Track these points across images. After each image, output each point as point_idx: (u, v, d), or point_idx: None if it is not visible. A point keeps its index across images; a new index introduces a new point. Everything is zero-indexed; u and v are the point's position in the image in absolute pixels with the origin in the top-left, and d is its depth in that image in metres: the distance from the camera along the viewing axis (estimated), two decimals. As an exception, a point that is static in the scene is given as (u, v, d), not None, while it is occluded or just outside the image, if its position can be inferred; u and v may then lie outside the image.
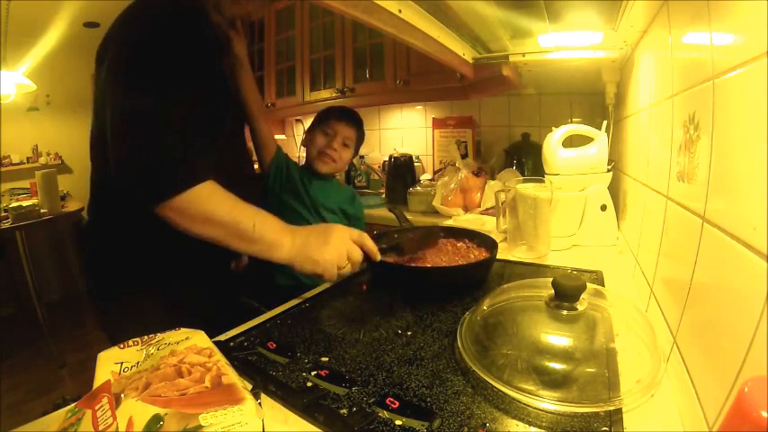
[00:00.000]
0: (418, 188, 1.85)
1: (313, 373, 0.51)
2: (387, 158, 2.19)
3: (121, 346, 0.48)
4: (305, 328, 0.66)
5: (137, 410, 0.35)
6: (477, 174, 1.70)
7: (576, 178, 1.08)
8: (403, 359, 0.55)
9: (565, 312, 0.53)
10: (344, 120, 1.22)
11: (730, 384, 0.32)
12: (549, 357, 0.49)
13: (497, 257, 0.87)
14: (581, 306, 0.53)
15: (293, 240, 0.70)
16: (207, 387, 0.39)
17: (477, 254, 0.88)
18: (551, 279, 0.54)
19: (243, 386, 0.40)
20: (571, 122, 1.26)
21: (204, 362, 0.43)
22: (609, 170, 1.09)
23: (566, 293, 0.53)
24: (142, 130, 0.63)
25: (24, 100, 3.07)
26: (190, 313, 0.60)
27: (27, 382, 2.18)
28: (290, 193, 1.19)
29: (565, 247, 1.05)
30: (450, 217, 1.58)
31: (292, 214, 1.16)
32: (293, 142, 2.82)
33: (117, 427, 0.34)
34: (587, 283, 0.54)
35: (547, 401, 0.43)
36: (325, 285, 0.86)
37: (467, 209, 1.66)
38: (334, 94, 2.12)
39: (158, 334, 0.50)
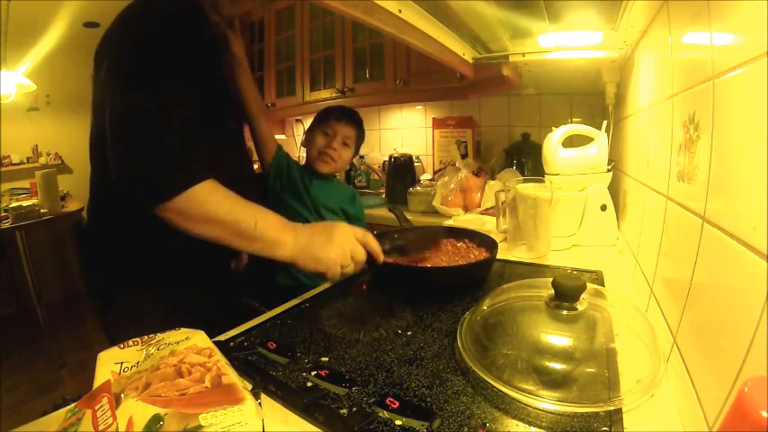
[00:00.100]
0: (418, 188, 1.85)
1: (313, 373, 0.51)
2: (387, 158, 2.19)
3: (121, 346, 0.48)
4: (305, 328, 0.66)
5: (137, 410, 0.35)
6: (477, 174, 1.70)
7: (576, 178, 1.08)
8: (403, 359, 0.55)
9: (565, 312, 0.53)
10: (344, 119, 1.22)
11: (730, 384, 0.32)
12: (549, 357, 0.49)
13: (497, 257, 0.87)
14: (581, 306, 0.53)
15: (296, 238, 0.70)
16: (207, 387, 0.39)
17: (477, 254, 0.88)
18: (551, 279, 0.54)
19: (243, 386, 0.40)
20: (571, 122, 1.27)
21: (204, 362, 0.43)
22: (609, 170, 1.09)
23: (566, 293, 0.53)
24: (141, 130, 0.63)
25: (24, 100, 3.07)
26: (190, 313, 0.60)
27: (27, 382, 2.18)
28: (290, 192, 1.19)
29: (565, 247, 1.05)
30: (450, 217, 1.58)
31: (292, 214, 1.16)
32: (293, 142, 2.82)
33: (117, 427, 0.34)
34: (587, 283, 0.54)
35: (547, 401, 0.43)
36: (325, 285, 0.86)
37: (467, 209, 1.66)
38: (334, 94, 2.12)
39: (158, 334, 0.50)
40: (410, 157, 2.08)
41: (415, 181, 2.02)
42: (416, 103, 2.27)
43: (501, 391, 0.46)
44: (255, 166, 1.25)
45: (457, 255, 0.87)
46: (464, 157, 1.96)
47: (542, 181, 0.99)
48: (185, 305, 0.71)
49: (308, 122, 1.94)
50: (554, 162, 1.10)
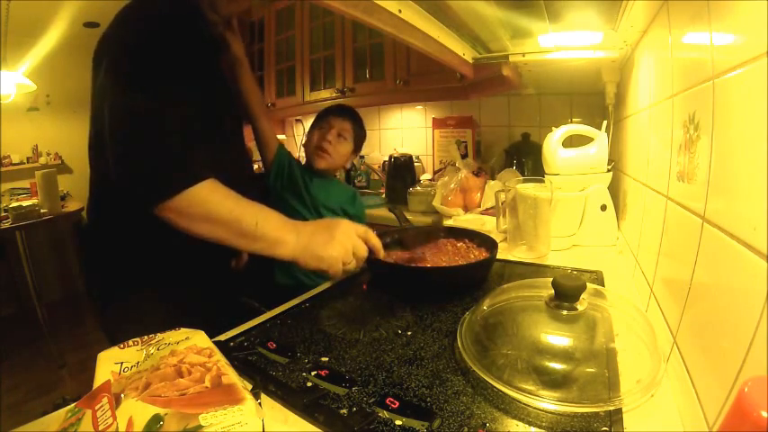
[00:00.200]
0: (418, 188, 1.85)
1: (313, 373, 0.51)
2: (387, 158, 2.19)
3: (121, 346, 0.48)
4: (305, 328, 0.66)
5: (137, 410, 0.35)
6: (477, 174, 1.70)
7: (576, 178, 1.08)
8: (403, 359, 0.55)
9: (565, 312, 0.53)
10: (339, 113, 1.23)
11: (730, 384, 0.32)
12: (549, 357, 0.49)
13: (497, 257, 0.87)
14: (581, 306, 0.53)
15: (297, 237, 0.70)
16: (207, 387, 0.39)
17: (477, 254, 0.88)
18: (551, 279, 0.54)
19: (243, 386, 0.40)
20: (571, 122, 1.26)
21: (204, 362, 0.43)
22: (609, 170, 1.09)
23: (566, 293, 0.53)
24: (141, 130, 0.63)
25: (24, 100, 3.07)
26: (190, 313, 0.60)
27: (27, 382, 2.18)
28: (291, 191, 1.19)
29: (565, 247, 1.05)
30: (450, 217, 1.58)
31: (293, 213, 1.16)
32: (293, 142, 2.82)
33: (117, 427, 0.34)
34: (587, 283, 0.54)
35: (547, 401, 0.43)
36: (326, 285, 0.86)
37: (467, 209, 1.66)
38: (334, 94, 2.12)
39: (158, 334, 0.50)
40: (410, 157, 2.08)
41: (415, 181, 2.02)
42: (416, 103, 2.27)
43: (501, 391, 0.46)
44: (256, 167, 1.26)
45: (457, 255, 0.87)
46: (464, 157, 1.96)
47: (542, 181, 0.99)
48: (185, 305, 0.70)
49: (308, 122, 1.95)
50: (554, 162, 1.10)
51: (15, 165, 3.23)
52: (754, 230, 0.31)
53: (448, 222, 1.44)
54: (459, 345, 0.55)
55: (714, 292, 0.40)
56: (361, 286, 0.86)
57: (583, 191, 1.06)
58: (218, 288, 0.87)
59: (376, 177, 2.34)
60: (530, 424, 0.42)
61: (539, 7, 0.88)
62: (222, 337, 0.63)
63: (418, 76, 1.82)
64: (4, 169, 3.12)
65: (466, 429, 0.41)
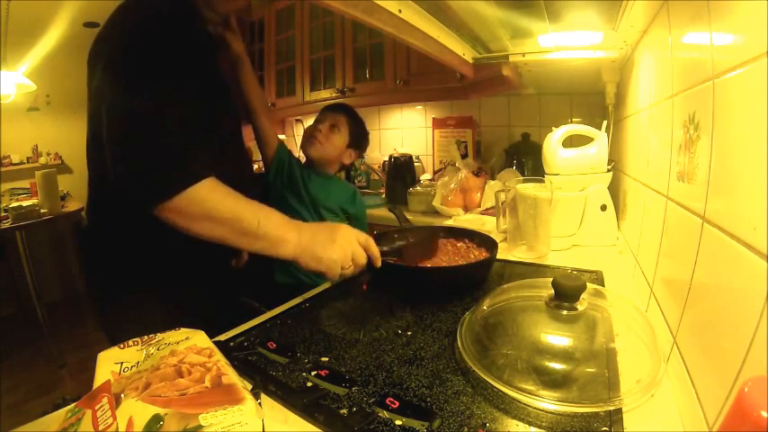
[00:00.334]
0: (418, 188, 1.85)
1: (313, 373, 0.51)
2: (387, 158, 2.19)
3: (121, 346, 0.48)
4: (305, 328, 0.66)
5: (137, 410, 0.35)
6: (477, 174, 1.70)
7: (576, 178, 1.08)
8: (403, 359, 0.55)
9: (565, 312, 0.53)
10: (333, 107, 1.26)
11: (730, 384, 0.32)
12: (549, 357, 0.49)
13: (497, 257, 0.87)
14: (581, 306, 0.53)
15: (299, 237, 0.70)
16: (207, 387, 0.39)
17: (477, 254, 0.88)
18: (551, 279, 0.54)
19: (243, 386, 0.40)
20: (571, 122, 1.26)
21: (204, 362, 0.43)
22: (609, 170, 1.09)
23: (566, 293, 0.53)
24: (139, 131, 0.63)
25: (24, 100, 3.07)
26: (190, 313, 0.60)
27: (27, 382, 2.18)
28: (290, 190, 1.19)
29: (565, 247, 1.05)
30: (450, 217, 1.58)
31: (292, 213, 1.16)
32: (293, 142, 2.82)
33: (117, 427, 0.34)
34: (587, 283, 0.54)
35: (547, 401, 0.43)
36: (326, 285, 0.86)
37: (467, 209, 1.66)
38: (334, 94, 2.12)
39: (158, 334, 0.50)
40: (410, 157, 2.08)
41: (415, 181, 2.02)
42: (416, 103, 2.27)
43: (501, 391, 0.46)
44: (256, 167, 1.26)
45: (457, 255, 0.87)
46: (464, 157, 1.96)
47: (542, 181, 0.99)
48: (185, 305, 0.70)
49: (308, 122, 1.94)
50: (554, 162, 1.10)
51: (15, 165, 3.23)
52: (754, 230, 0.31)
53: (448, 222, 1.44)
54: (459, 345, 0.55)
55: (714, 292, 0.40)
56: (361, 286, 0.86)
57: (583, 191, 1.06)
58: (218, 288, 0.87)
59: (376, 177, 2.34)
60: (530, 424, 0.42)
61: (539, 7, 0.88)
62: (222, 337, 0.63)
63: (418, 76, 1.82)
64: (4, 169, 3.12)
65: (466, 429, 0.41)
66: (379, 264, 0.76)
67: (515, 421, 0.42)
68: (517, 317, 0.58)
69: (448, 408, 0.44)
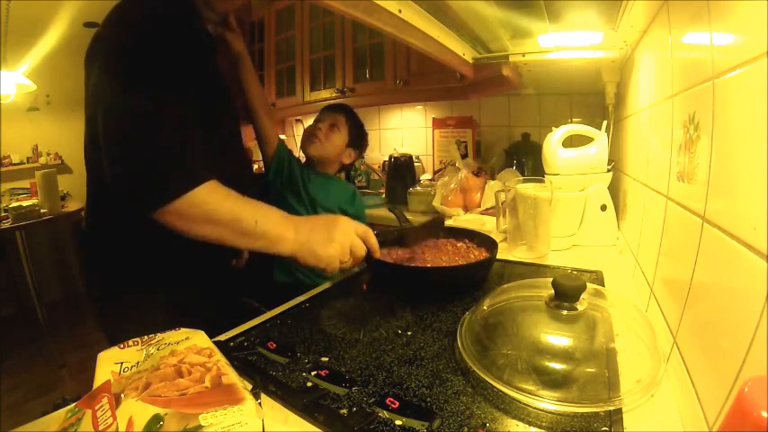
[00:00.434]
0: (418, 188, 1.85)
1: (313, 373, 0.51)
2: (387, 158, 2.19)
3: (121, 346, 0.48)
4: (305, 328, 0.66)
5: (137, 410, 0.35)
6: (477, 174, 1.70)
7: (576, 178, 1.08)
8: (403, 359, 0.55)
9: (565, 312, 0.53)
10: (332, 107, 1.26)
11: (730, 384, 0.32)
12: (549, 357, 0.49)
13: (497, 257, 0.87)
14: (581, 306, 0.53)
15: (297, 234, 0.70)
16: (207, 387, 0.39)
17: (477, 254, 0.88)
18: (551, 279, 0.54)
19: (243, 386, 0.40)
20: (571, 122, 1.26)
21: (204, 362, 0.43)
22: (609, 170, 1.09)
23: (566, 293, 0.53)
24: (137, 132, 0.62)
25: (24, 100, 3.07)
26: (190, 313, 0.60)
27: (27, 382, 2.18)
28: (289, 189, 1.20)
29: (565, 247, 1.05)
30: (450, 217, 1.58)
31: (291, 212, 1.16)
32: (293, 142, 2.82)
33: (117, 427, 0.34)
34: (587, 283, 0.54)
35: (547, 401, 0.43)
36: (326, 285, 0.86)
37: (467, 209, 1.66)
38: (334, 94, 2.11)
39: (158, 334, 0.50)
40: (410, 157, 2.08)
41: (415, 181, 2.02)
42: (416, 103, 2.27)
43: (501, 391, 0.46)
44: (256, 167, 1.26)
45: (457, 255, 0.87)
46: (464, 157, 1.96)
47: (542, 181, 0.99)
48: (185, 305, 0.70)
49: (308, 122, 1.94)
50: (554, 162, 1.10)
51: (15, 165, 3.23)
52: (754, 230, 0.31)
53: (448, 222, 1.44)
54: (459, 345, 0.55)
55: (714, 292, 0.40)
56: (362, 286, 0.86)
57: (583, 191, 1.06)
58: (218, 288, 0.87)
59: (376, 177, 2.34)
60: (530, 424, 0.42)
61: (539, 7, 0.88)
62: (222, 337, 0.63)
63: (418, 76, 1.82)
64: (4, 169, 3.12)
65: (466, 429, 0.41)
66: (378, 255, 0.76)
67: (515, 421, 0.42)
68: (517, 317, 0.58)
69: (448, 408, 0.44)
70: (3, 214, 2.38)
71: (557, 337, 0.52)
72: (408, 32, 0.86)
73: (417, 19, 0.87)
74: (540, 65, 1.24)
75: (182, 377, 0.40)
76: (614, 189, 1.13)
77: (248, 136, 1.27)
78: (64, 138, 3.39)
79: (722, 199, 0.39)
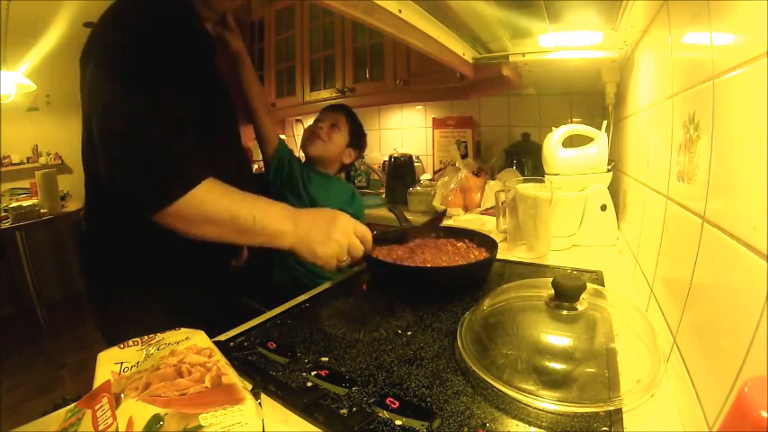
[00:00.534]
0: (418, 188, 1.85)
1: (313, 373, 0.51)
2: (387, 158, 2.19)
3: (121, 346, 0.48)
4: (305, 328, 0.66)
5: (137, 410, 0.35)
6: (477, 174, 1.70)
7: (576, 178, 1.08)
8: (403, 359, 0.55)
9: (565, 312, 0.53)
10: (332, 107, 1.27)
11: (730, 384, 0.32)
12: (549, 357, 0.49)
13: (497, 257, 0.87)
14: (581, 306, 0.53)
15: (296, 227, 0.70)
16: (207, 387, 0.39)
17: (477, 254, 0.88)
18: (551, 279, 0.54)
19: (243, 386, 0.40)
20: (571, 122, 1.26)
21: (204, 362, 0.43)
22: (609, 170, 1.09)
23: (566, 293, 0.53)
24: (132, 134, 0.61)
25: (24, 100, 3.07)
26: (190, 313, 0.60)
27: (27, 382, 2.18)
28: (289, 189, 1.20)
29: (565, 247, 1.05)
30: (451, 217, 1.58)
31: None
32: (293, 142, 2.82)
33: (117, 427, 0.34)
34: (587, 283, 0.54)
35: (547, 401, 0.43)
36: (326, 285, 0.86)
37: (467, 209, 1.66)
38: (334, 94, 2.11)
39: (158, 334, 0.50)
40: (410, 157, 2.08)
41: (415, 181, 2.02)
42: (416, 103, 2.27)
43: (501, 391, 0.46)
44: (256, 167, 1.26)
45: (457, 255, 0.87)
46: (464, 157, 1.96)
47: (542, 181, 0.99)
48: (185, 305, 0.70)
49: (308, 122, 1.94)
50: (554, 162, 1.10)
51: (15, 165, 3.23)
52: (754, 230, 0.31)
53: (448, 222, 1.44)
54: (459, 345, 0.55)
55: (714, 292, 0.40)
56: (361, 286, 0.86)
57: (583, 191, 1.06)
58: (218, 288, 0.87)
59: (376, 177, 2.34)
60: (530, 424, 0.42)
61: (539, 7, 0.88)
62: (222, 337, 0.63)
63: (418, 76, 1.82)
64: (4, 169, 3.12)
65: (466, 429, 0.41)
66: (373, 253, 0.76)
67: (515, 421, 0.42)
68: (517, 317, 0.58)
69: (448, 408, 0.44)
70: (3, 214, 2.38)
71: (557, 337, 0.52)
72: (408, 32, 0.86)
73: (417, 19, 0.87)
74: (540, 65, 1.24)
75: (182, 377, 0.40)
76: (614, 189, 1.13)
77: (248, 136, 1.27)
78: (64, 138, 3.39)
79: (722, 199, 0.39)
